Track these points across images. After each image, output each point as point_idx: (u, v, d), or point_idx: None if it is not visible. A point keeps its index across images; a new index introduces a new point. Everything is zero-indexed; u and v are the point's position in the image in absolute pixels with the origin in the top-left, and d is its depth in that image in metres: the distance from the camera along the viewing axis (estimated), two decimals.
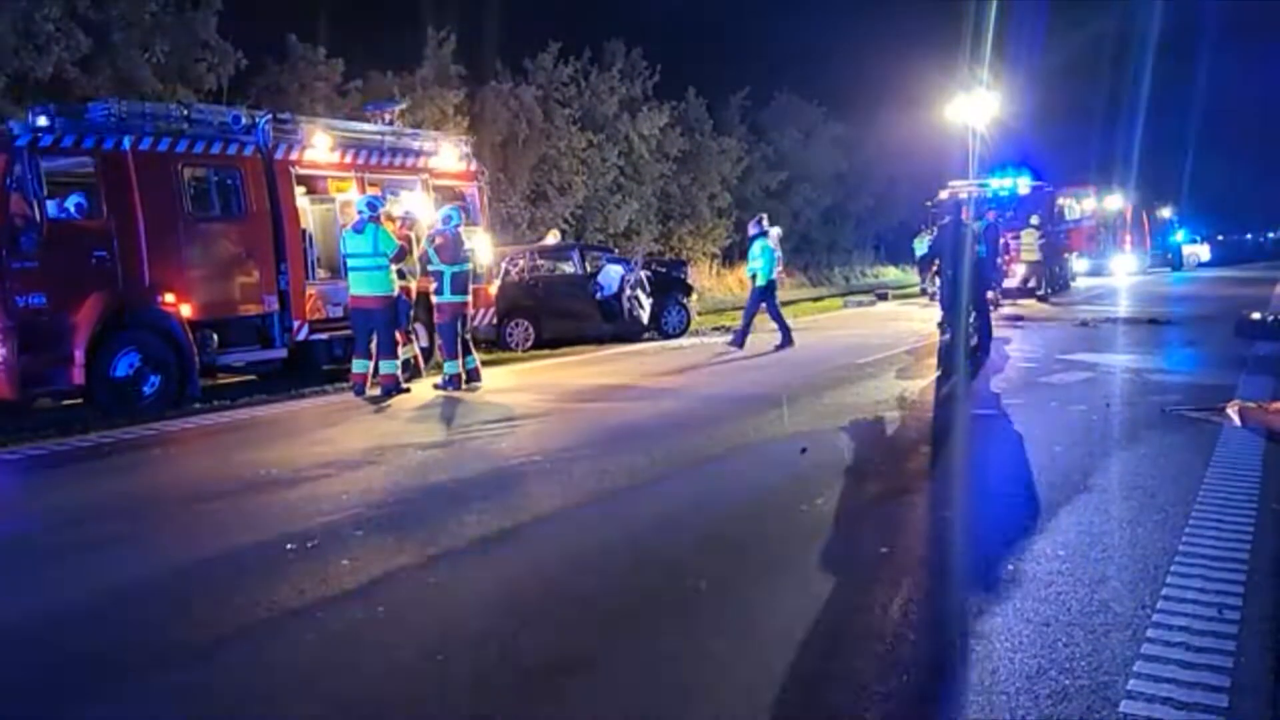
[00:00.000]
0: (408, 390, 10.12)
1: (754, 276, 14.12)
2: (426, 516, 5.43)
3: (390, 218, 10.65)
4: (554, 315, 15.37)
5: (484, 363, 11.42)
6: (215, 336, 10.26)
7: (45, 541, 5.32)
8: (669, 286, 16.85)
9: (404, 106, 15.56)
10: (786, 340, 13.69)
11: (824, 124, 36.91)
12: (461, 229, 10.73)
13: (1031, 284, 22.46)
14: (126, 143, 9.53)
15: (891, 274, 40.55)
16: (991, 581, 4.12)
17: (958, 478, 6.30)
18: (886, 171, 39.10)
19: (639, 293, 15.75)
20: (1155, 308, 18.78)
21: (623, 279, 15.68)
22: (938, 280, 12.38)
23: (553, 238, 18.75)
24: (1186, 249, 43.34)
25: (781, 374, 10.80)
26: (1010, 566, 4.29)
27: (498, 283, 14.08)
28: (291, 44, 19.22)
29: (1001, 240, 20.16)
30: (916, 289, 25.32)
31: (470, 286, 10.62)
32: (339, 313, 11.05)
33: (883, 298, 25.59)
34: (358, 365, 10.12)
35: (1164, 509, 5.11)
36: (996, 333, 12.59)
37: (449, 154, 12.93)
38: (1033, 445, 6.92)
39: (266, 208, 10.70)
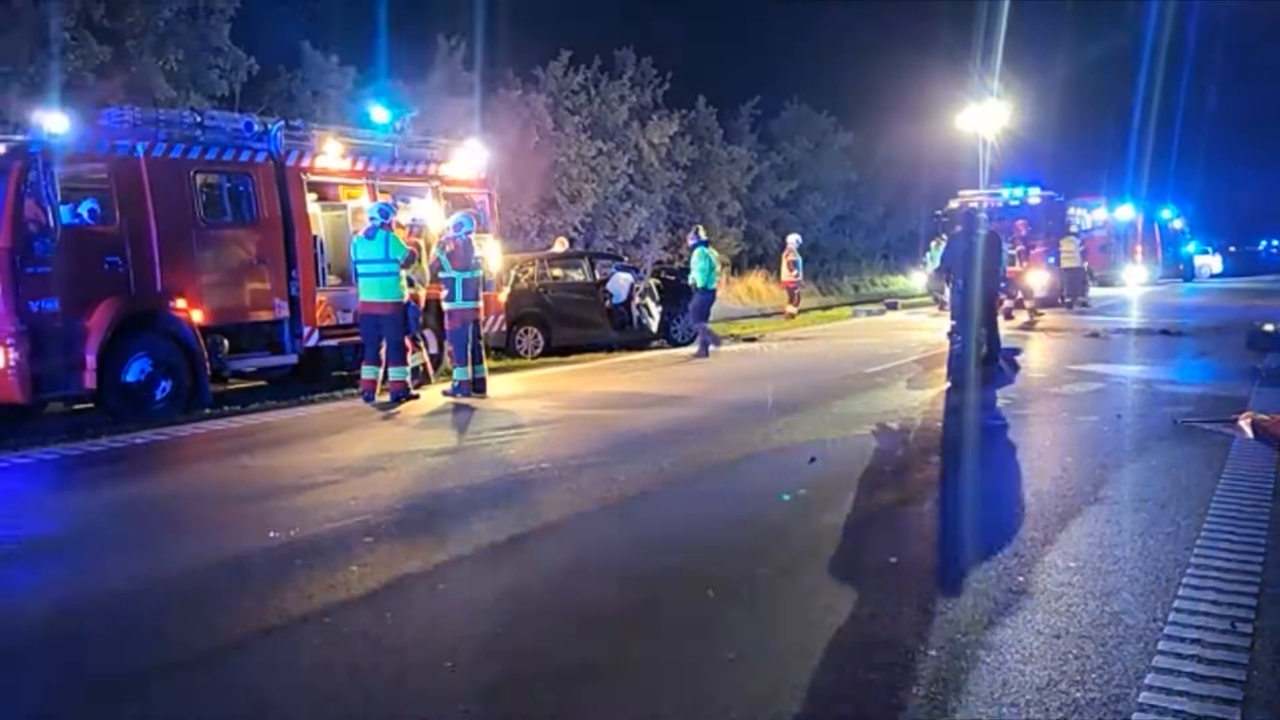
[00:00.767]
0: (417, 397, 10.14)
1: (693, 284, 14.58)
2: (435, 523, 5.44)
3: (400, 225, 10.69)
4: (563, 323, 15.38)
5: (493, 370, 11.44)
6: (226, 342, 10.33)
7: (56, 545, 5.35)
8: (678, 295, 16.86)
9: (414, 115, 15.61)
10: (704, 351, 13.96)
11: (834, 133, 36.96)
12: (473, 236, 10.77)
13: (1064, 294, 22.26)
14: (140, 149, 9.60)
15: (900, 283, 40.46)
16: (1002, 592, 4.10)
17: (968, 488, 6.27)
18: (896, 181, 39.08)
19: (648, 301, 15.76)
20: (1167, 319, 18.64)
21: (632, 287, 15.70)
22: (948, 289, 12.36)
23: (561, 245, 18.76)
24: (1198, 260, 43.21)
25: (791, 383, 10.78)
26: (1021, 578, 4.27)
27: (507, 290, 14.11)
28: (304, 51, 19.35)
29: (1017, 249, 20.10)
30: (926, 297, 25.20)
31: (481, 293, 10.64)
32: (349, 319, 11.09)
33: (892, 307, 25.51)
34: (367, 371, 10.14)
35: (1176, 521, 5.09)
36: (1006, 343, 12.56)
37: (459, 161, 12.98)
38: (1043, 456, 6.90)
39: (278, 214, 10.77)
